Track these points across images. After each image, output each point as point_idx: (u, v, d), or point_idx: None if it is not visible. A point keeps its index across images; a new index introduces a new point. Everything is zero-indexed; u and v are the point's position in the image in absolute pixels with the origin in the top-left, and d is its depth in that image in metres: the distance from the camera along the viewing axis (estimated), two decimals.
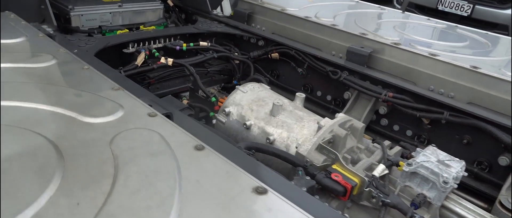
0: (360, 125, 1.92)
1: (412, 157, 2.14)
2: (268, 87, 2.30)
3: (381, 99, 2.32)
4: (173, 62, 2.51)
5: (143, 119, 1.26)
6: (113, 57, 2.78)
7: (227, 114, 2.13)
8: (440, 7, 7.10)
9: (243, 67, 3.02)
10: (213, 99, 2.33)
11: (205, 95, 2.44)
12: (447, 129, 2.26)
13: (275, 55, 2.88)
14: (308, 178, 1.55)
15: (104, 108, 1.28)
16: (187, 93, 2.80)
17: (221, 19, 3.25)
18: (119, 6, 3.05)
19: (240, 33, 3.06)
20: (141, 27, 3.09)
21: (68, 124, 1.18)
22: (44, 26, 2.42)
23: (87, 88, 1.41)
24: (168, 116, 1.44)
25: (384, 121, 2.50)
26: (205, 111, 2.48)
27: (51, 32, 2.40)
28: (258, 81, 2.78)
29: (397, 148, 2.01)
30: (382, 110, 2.43)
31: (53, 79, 1.46)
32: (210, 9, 3.31)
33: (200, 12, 3.40)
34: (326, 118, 1.88)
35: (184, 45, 2.79)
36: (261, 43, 3.04)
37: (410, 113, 2.26)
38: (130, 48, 2.65)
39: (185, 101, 2.53)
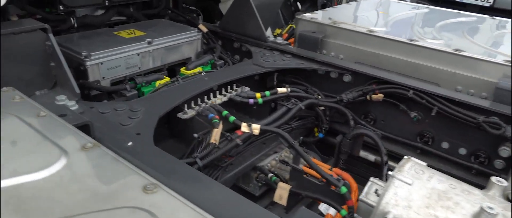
0: None
1: None
2: (425, 164, 1.51)
3: None
4: (260, 129, 1.67)
5: None
6: (158, 124, 1.90)
7: None
8: None
9: (329, 113, 2.21)
10: (344, 189, 1.51)
11: (320, 178, 1.62)
12: None
13: (378, 96, 2.09)
14: None
15: None
16: (267, 163, 1.95)
17: (282, 47, 2.41)
18: (149, 43, 2.15)
19: (327, 68, 2.21)
20: (183, 70, 2.20)
21: None
22: (61, 98, 1.51)
23: None
24: None
25: None
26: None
27: (75, 106, 1.50)
28: (365, 136, 1.99)
29: None
30: None
31: None
32: (266, 36, 2.46)
33: (249, 40, 2.54)
34: None
35: (258, 95, 1.95)
36: (347, 78, 2.22)
37: None
38: (187, 110, 1.78)
39: (285, 188, 1.69)
